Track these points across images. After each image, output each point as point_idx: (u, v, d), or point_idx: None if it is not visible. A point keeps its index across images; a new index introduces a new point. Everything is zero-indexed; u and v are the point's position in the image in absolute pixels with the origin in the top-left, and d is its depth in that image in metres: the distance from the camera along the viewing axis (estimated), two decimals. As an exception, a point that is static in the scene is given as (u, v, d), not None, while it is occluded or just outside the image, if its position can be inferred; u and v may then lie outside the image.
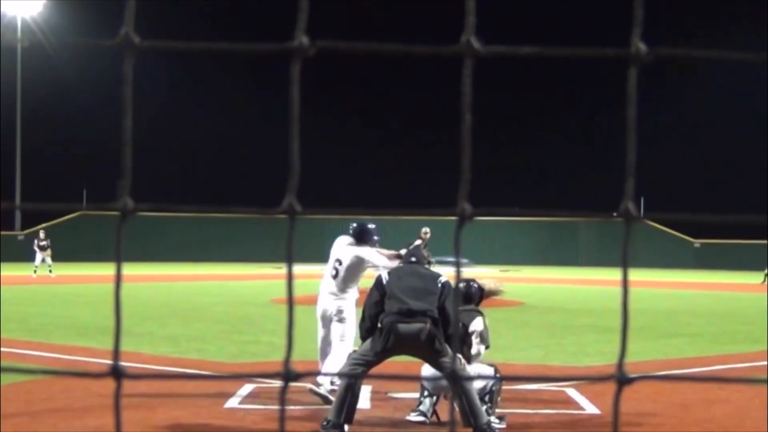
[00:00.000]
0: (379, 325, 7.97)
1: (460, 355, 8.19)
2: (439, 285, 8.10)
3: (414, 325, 7.82)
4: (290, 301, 1.47)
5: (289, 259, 1.50)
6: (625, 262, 1.59)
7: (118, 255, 1.53)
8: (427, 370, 8.50)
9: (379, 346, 7.89)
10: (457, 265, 1.58)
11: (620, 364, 1.50)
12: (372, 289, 8.27)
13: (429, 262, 9.56)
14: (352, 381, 7.83)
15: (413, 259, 8.66)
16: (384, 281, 8.15)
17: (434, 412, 8.53)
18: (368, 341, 8.02)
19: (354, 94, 71.86)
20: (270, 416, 8.69)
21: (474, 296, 8.96)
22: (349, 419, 7.87)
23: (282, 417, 1.59)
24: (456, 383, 7.68)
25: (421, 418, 8.46)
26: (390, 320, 7.87)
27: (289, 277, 1.46)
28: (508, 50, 1.51)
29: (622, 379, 1.53)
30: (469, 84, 1.48)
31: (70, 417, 8.36)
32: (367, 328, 8.10)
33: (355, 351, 8.41)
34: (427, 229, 22.10)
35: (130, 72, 1.57)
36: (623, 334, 1.53)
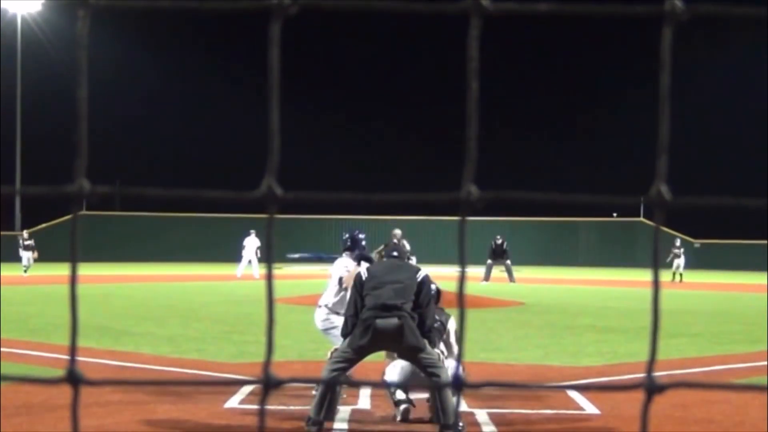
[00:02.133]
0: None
1: (438, 350, 8.16)
2: (418, 279, 8.08)
3: (390, 319, 7.79)
4: (270, 300, 1.45)
5: (270, 248, 1.43)
6: (656, 256, 1.47)
7: (73, 243, 1.44)
8: (391, 371, 8.48)
9: (358, 341, 7.85)
10: (462, 251, 1.45)
11: (649, 371, 1.38)
12: (352, 288, 8.27)
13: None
14: (333, 378, 7.82)
15: (395, 253, 8.61)
16: (363, 278, 8.12)
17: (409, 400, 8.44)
18: (348, 338, 8.00)
19: (349, 89, 71.86)
20: (270, 416, 8.68)
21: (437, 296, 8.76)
22: (329, 416, 7.89)
23: (262, 423, 1.54)
24: (431, 378, 7.67)
25: (404, 405, 8.34)
26: (367, 315, 7.85)
27: (269, 275, 1.43)
28: (521, 8, 1.41)
29: (651, 388, 1.39)
30: (476, 47, 1.39)
31: (69, 417, 8.34)
32: (347, 326, 8.10)
33: (336, 349, 8.39)
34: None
35: (85, 34, 1.44)
36: (653, 338, 1.39)
